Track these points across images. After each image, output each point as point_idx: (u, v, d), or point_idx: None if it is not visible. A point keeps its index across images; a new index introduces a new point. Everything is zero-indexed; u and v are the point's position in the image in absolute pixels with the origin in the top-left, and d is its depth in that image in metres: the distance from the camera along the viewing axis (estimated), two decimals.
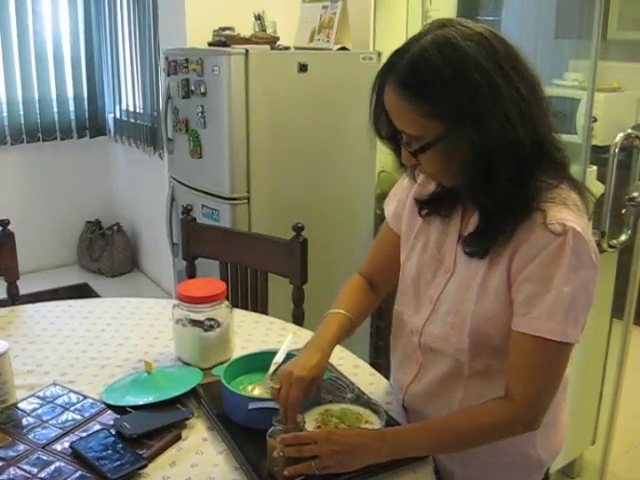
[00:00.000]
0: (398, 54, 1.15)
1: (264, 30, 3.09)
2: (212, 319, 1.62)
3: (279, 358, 1.52)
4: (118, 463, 1.24)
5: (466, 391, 1.31)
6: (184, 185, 3.12)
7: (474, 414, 1.24)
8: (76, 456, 1.28)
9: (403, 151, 1.21)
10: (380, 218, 1.75)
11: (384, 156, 2.94)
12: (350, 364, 1.66)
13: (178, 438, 1.35)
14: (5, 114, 4.32)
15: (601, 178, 2.29)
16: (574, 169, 2.22)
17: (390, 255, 1.47)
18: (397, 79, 1.13)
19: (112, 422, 1.38)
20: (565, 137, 2.69)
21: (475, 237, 1.23)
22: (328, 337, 1.37)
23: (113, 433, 1.33)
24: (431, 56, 1.10)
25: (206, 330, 1.61)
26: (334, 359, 1.65)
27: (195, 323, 1.61)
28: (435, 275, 1.33)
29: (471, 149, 1.12)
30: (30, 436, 1.35)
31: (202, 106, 2.83)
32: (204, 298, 1.60)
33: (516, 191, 1.14)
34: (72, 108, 4.58)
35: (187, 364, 1.63)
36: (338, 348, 1.72)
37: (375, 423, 1.31)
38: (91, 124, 4.67)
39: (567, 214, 1.14)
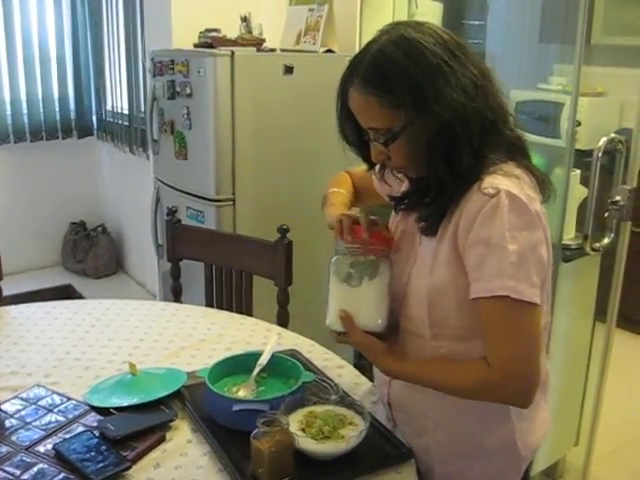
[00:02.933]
0: (358, 58, 1.23)
1: (250, 32, 3.09)
2: None
3: (264, 359, 1.52)
4: (102, 465, 1.23)
5: None
6: (169, 186, 3.11)
7: (453, 374, 1.25)
8: (59, 458, 1.27)
9: (373, 148, 1.27)
10: None
11: None
12: (334, 365, 1.66)
13: (162, 440, 1.34)
14: None
15: (584, 182, 2.30)
16: (557, 172, 2.25)
17: (369, 187, 1.62)
18: (361, 78, 1.20)
19: (96, 424, 1.37)
20: (549, 141, 2.71)
21: (426, 211, 1.27)
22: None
23: (97, 435, 1.33)
24: (389, 52, 1.18)
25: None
26: (318, 360, 1.65)
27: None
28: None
29: (436, 128, 1.18)
30: (13, 438, 1.34)
31: (188, 107, 2.83)
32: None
33: (471, 165, 1.19)
34: (57, 109, 4.55)
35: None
36: (322, 350, 1.73)
37: (359, 424, 1.31)
38: (76, 125, 4.64)
39: (503, 180, 1.18)
